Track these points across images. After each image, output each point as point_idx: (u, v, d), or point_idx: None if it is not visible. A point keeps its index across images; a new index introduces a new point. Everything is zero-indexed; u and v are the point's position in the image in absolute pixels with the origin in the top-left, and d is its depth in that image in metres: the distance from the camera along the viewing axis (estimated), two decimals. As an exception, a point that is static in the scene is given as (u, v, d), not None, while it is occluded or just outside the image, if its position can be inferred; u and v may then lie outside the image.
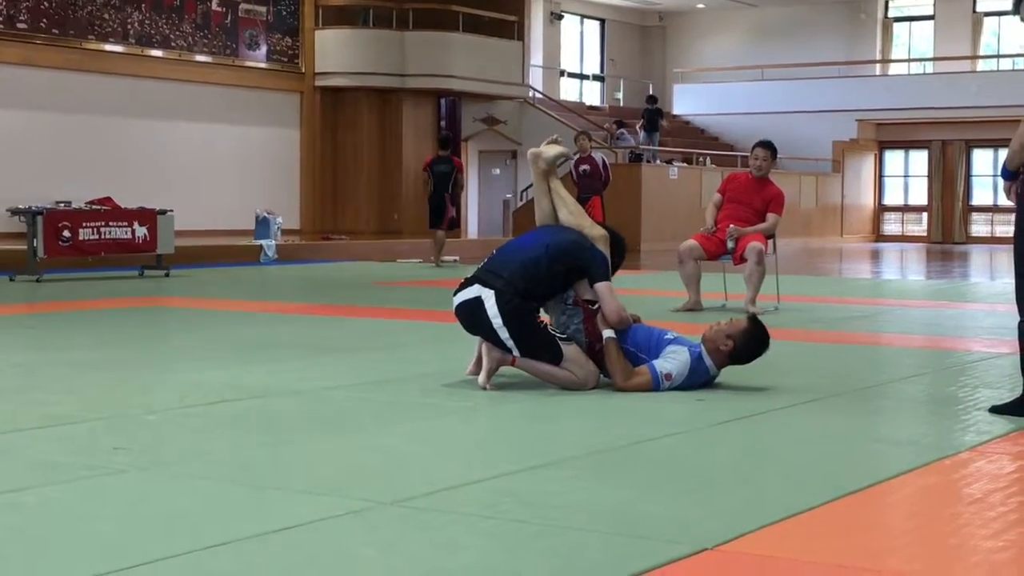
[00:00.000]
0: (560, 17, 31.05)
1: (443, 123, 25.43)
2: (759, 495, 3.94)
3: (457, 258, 18.73)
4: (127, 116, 21.15)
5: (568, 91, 31.83)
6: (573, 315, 6.06)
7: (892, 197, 32.66)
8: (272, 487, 3.97)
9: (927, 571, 3.15)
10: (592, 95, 32.85)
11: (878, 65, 32.36)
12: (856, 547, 3.39)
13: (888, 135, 31.98)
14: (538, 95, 28.28)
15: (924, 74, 31.63)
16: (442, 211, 17.16)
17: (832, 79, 31.06)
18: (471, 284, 6.05)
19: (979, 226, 31.16)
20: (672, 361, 5.89)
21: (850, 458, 4.61)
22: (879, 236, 32.20)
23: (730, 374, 6.08)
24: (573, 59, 32.38)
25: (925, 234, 31.48)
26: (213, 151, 22.47)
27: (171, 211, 14.87)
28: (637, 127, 27.27)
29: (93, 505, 3.76)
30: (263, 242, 18.31)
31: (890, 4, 32.51)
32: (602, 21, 33.11)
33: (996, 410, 5.41)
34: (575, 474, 4.24)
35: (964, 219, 31.14)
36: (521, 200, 26.55)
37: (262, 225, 18.89)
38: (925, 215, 31.79)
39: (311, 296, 12.47)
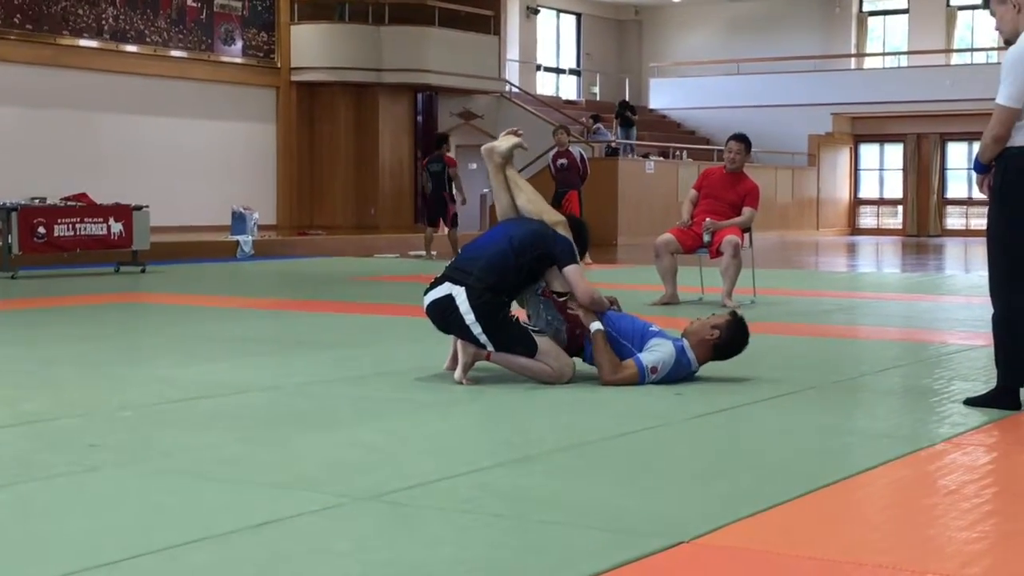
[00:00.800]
0: (536, 11, 31.05)
1: (419, 118, 25.42)
2: (735, 488, 3.95)
3: (435, 253, 18.71)
4: (102, 112, 21.06)
5: (544, 85, 31.83)
6: (548, 304, 6.08)
7: (867, 190, 32.77)
8: (249, 482, 3.96)
9: (902, 562, 3.16)
10: (568, 89, 32.86)
11: (853, 59, 32.46)
12: (832, 539, 3.40)
13: (863, 129, 32.08)
14: (514, 89, 28.28)
15: (899, 68, 31.74)
16: (441, 209, 17.73)
17: (807, 73, 31.15)
18: (441, 283, 6.05)
19: (954, 219, 31.30)
20: (657, 353, 5.90)
21: (826, 451, 4.63)
22: (855, 229, 32.31)
23: (707, 367, 6.10)
24: (549, 53, 32.37)
25: (900, 227, 31.60)
26: (189, 146, 22.39)
27: (147, 207, 14.81)
28: (614, 122, 27.31)
29: (69, 502, 3.75)
30: (239, 238, 18.25)
31: (865, -2, 32.64)
32: (578, 15, 33.12)
33: (971, 402, 5.44)
34: (552, 468, 4.24)
35: (939, 212, 31.26)
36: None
37: (238, 221, 18.82)
38: (900, 208, 31.92)
39: (288, 292, 12.45)
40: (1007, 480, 4.27)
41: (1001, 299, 5.32)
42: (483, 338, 5.91)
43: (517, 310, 6.19)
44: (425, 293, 6.13)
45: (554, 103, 29.58)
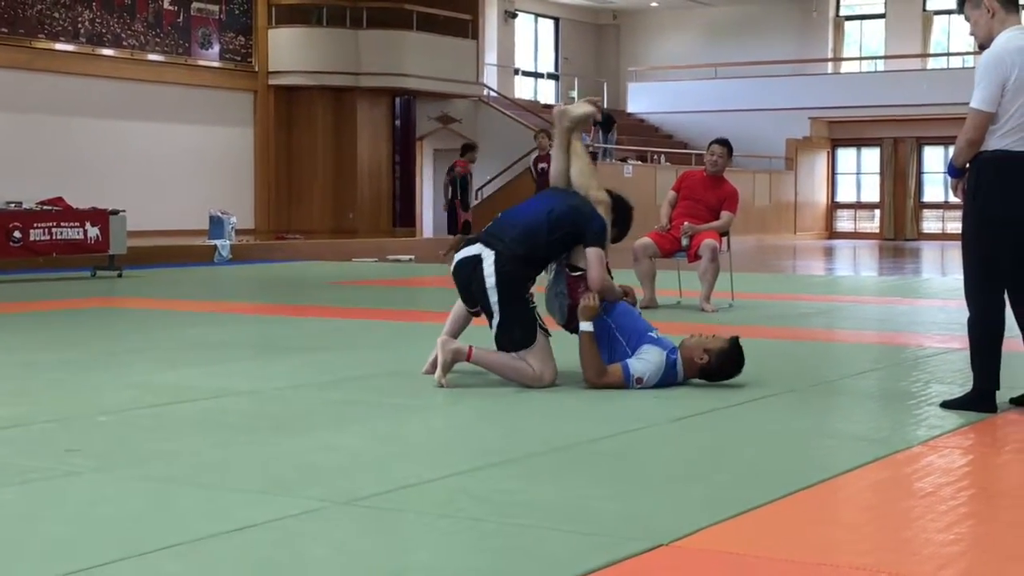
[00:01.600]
0: (514, 16, 31.07)
1: (397, 122, 25.40)
2: (714, 491, 3.96)
3: (412, 257, 18.70)
4: (78, 116, 20.97)
5: (523, 90, 31.85)
6: (561, 276, 6.10)
7: (845, 194, 32.88)
8: (226, 488, 3.95)
9: (880, 565, 3.17)
10: (547, 94, 32.88)
11: (830, 63, 32.58)
12: (809, 542, 3.41)
13: (840, 133, 32.19)
14: (493, 94, 28.28)
15: (875, 72, 31.86)
16: (453, 217, 18.17)
17: (785, 77, 31.24)
18: (473, 243, 6.12)
19: (931, 222, 31.43)
20: (646, 363, 5.88)
21: (804, 454, 4.64)
22: (832, 233, 32.41)
23: (685, 371, 6.10)
24: (527, 58, 32.40)
25: (877, 231, 31.71)
26: (166, 150, 22.31)
27: (123, 211, 14.75)
28: (592, 127, 27.34)
29: (46, 507, 3.73)
30: (217, 242, 18.21)
31: (841, 3, 32.73)
32: (556, 20, 33.15)
33: (947, 405, 5.46)
34: (531, 472, 4.25)
35: (916, 216, 31.39)
36: (476, 199, 26.51)
37: (216, 225, 18.77)
38: (877, 212, 32.03)
39: (265, 296, 12.43)
40: (983, 482, 4.29)
41: (976, 302, 5.35)
42: (495, 308, 5.91)
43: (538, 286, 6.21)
44: (455, 253, 6.21)
45: (532, 107, 29.59)
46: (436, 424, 5.24)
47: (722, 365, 5.96)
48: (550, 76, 33.17)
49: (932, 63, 31.52)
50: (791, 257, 21.87)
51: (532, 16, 32.31)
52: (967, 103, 5.23)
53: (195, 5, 22.77)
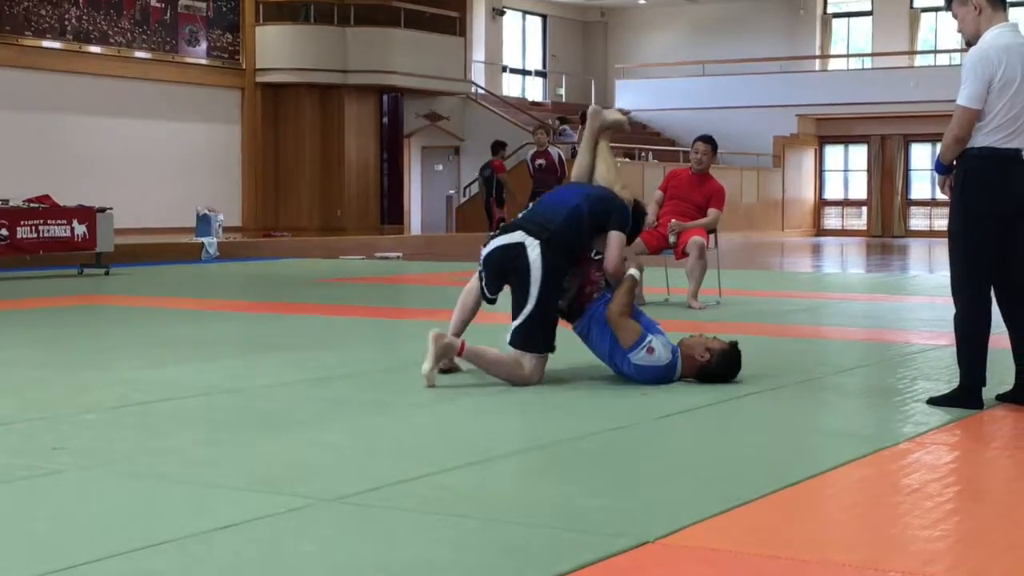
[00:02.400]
0: (502, 13, 31.06)
1: (385, 119, 25.39)
2: (701, 488, 3.96)
3: (400, 254, 18.69)
4: (65, 113, 20.93)
5: (510, 87, 31.85)
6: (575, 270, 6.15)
7: (832, 191, 32.95)
8: (213, 485, 3.94)
9: (866, 561, 3.18)
10: (534, 91, 32.89)
11: (817, 61, 32.63)
12: (796, 538, 3.42)
13: (828, 130, 32.25)
14: (480, 91, 28.28)
15: (863, 69, 31.92)
16: (490, 214, 18.33)
17: (772, 75, 31.29)
18: (513, 231, 6.07)
19: (918, 220, 31.51)
20: (662, 344, 5.93)
21: (790, 450, 4.65)
22: (819, 230, 32.47)
23: (672, 368, 6.10)
24: (515, 55, 32.40)
25: (865, 228, 31.79)
26: (153, 148, 22.28)
27: (110, 209, 14.72)
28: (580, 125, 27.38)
29: (32, 505, 3.72)
30: (204, 239, 18.17)
31: (829, 0, 32.79)
32: (544, 17, 33.15)
33: (934, 402, 5.47)
34: (517, 469, 4.24)
35: (903, 213, 31.46)
36: (464, 196, 26.53)
37: (203, 222, 18.73)
38: (865, 209, 32.10)
39: (253, 294, 12.41)
40: (969, 479, 4.30)
41: (962, 299, 5.36)
42: (534, 297, 5.89)
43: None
44: (485, 244, 6.17)
45: (520, 104, 29.61)
46: (422, 422, 5.23)
47: (721, 365, 5.99)
48: (538, 73, 33.17)
49: (919, 60, 31.60)
50: (779, 254, 21.90)
51: (520, 13, 32.31)
52: (954, 100, 5.24)
53: (182, 2, 22.74)
